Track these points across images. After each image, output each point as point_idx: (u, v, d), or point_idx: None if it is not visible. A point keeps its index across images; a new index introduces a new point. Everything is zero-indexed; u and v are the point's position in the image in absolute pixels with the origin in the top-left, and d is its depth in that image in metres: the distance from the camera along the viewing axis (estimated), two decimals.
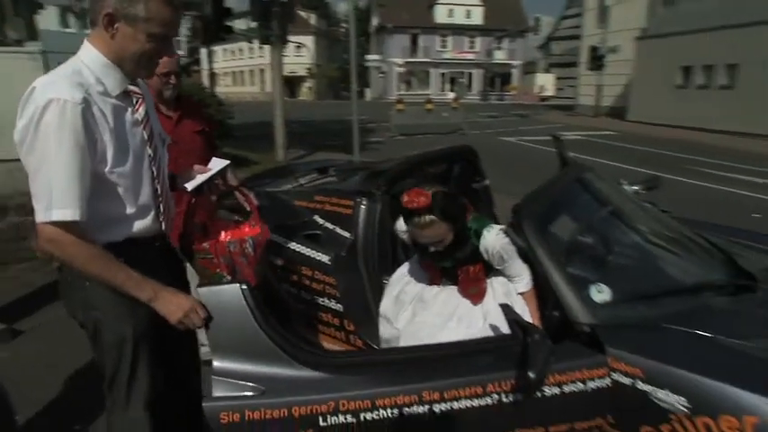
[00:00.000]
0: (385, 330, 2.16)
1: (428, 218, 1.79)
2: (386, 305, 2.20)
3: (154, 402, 1.52)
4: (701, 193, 7.97)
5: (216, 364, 1.44)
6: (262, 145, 10.72)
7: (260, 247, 1.61)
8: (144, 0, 1.28)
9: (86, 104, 1.26)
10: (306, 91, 48.24)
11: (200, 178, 1.70)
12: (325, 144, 12.89)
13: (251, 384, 1.43)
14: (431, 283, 2.13)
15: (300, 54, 45.83)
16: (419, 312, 2.07)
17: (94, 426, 2.40)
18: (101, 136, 1.31)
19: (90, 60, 1.34)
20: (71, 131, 1.23)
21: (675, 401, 1.40)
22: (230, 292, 1.45)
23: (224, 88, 49.38)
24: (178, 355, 1.65)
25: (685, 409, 1.39)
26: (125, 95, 1.41)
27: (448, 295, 2.07)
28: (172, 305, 1.38)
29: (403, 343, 2.02)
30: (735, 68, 16.44)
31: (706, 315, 1.75)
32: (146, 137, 1.46)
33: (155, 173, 1.48)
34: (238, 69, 53.46)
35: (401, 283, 2.21)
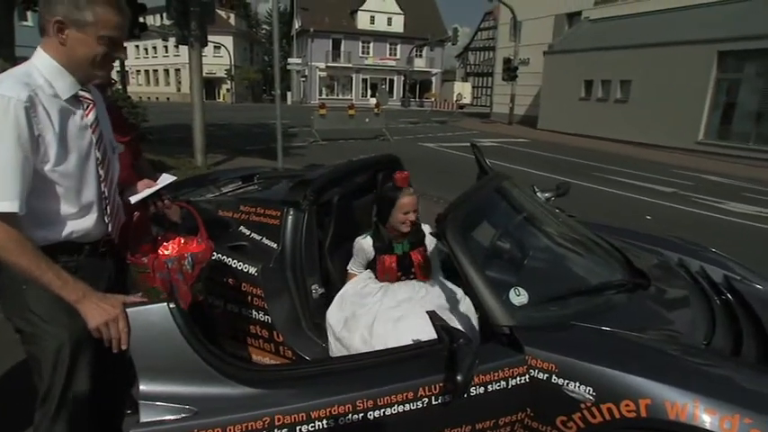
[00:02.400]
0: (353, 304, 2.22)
1: (411, 189, 2.28)
2: (351, 290, 2.31)
3: (84, 419, 1.49)
4: (603, 197, 8.73)
5: (143, 387, 1.39)
6: (179, 149, 10.21)
7: (199, 265, 1.58)
8: (91, 6, 1.35)
9: (31, 103, 1.30)
10: (225, 93, 46.54)
11: (145, 192, 1.69)
12: (246, 149, 12.56)
13: (182, 406, 1.39)
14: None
15: (219, 54, 44.20)
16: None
17: None
18: (43, 134, 1.34)
19: (42, 64, 1.40)
20: (13, 127, 1.27)
21: (584, 391, 1.56)
22: (158, 312, 1.40)
23: (136, 88, 46.47)
24: (109, 371, 1.60)
25: (592, 398, 1.54)
26: (75, 100, 1.46)
27: (405, 283, 2.28)
28: (96, 309, 1.34)
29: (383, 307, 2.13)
30: (628, 84, 18.13)
31: (608, 311, 1.96)
32: (94, 140, 1.50)
33: (102, 176, 1.52)
34: (152, 68, 50.44)
35: (361, 283, 2.33)
